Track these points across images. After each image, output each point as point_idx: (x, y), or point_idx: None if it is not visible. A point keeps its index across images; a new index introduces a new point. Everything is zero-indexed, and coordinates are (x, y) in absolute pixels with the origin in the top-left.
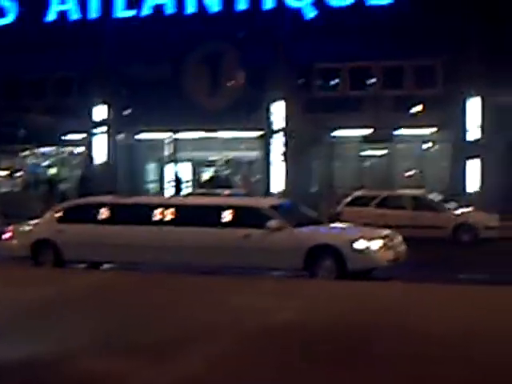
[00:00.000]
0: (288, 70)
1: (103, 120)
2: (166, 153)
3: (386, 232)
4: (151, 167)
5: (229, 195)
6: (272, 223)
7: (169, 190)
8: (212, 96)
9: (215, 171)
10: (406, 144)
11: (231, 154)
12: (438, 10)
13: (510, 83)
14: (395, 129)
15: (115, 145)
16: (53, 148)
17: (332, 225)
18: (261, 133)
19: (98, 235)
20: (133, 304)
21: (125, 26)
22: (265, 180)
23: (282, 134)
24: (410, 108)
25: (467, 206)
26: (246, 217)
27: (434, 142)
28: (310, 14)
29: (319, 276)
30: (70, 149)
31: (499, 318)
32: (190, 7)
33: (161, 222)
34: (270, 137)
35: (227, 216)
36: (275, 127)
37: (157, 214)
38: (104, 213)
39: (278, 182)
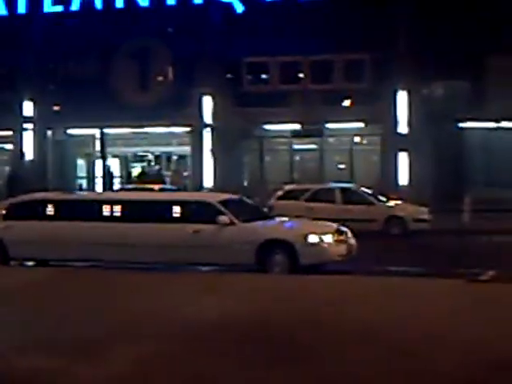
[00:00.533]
0: (217, 64)
1: (32, 116)
2: (96, 149)
3: (337, 226)
4: (81, 163)
5: (160, 190)
6: (222, 218)
7: (99, 186)
8: (141, 91)
9: (144, 166)
10: (337, 138)
11: (161, 150)
12: (367, 5)
13: (437, 77)
14: (325, 123)
15: (45, 141)
16: None
17: (281, 219)
18: (189, 128)
19: (44, 232)
20: (60, 301)
21: (53, 21)
22: (196, 175)
23: (211, 128)
24: (340, 102)
25: (398, 199)
26: (196, 212)
27: (363, 136)
28: (239, 8)
29: (271, 271)
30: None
31: (415, 306)
32: (119, 2)
33: (108, 218)
34: (200, 132)
35: (176, 211)
36: (204, 122)
37: (104, 210)
38: (50, 209)
39: (209, 176)
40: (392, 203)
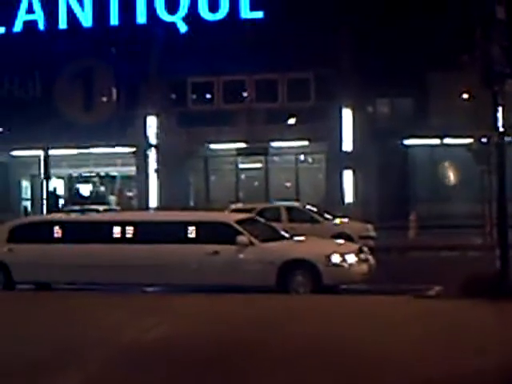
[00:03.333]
0: (161, 84)
1: None
2: (41, 170)
3: (358, 246)
4: (26, 184)
5: (105, 211)
6: (242, 239)
7: (44, 207)
8: (85, 112)
9: (92, 187)
10: (282, 156)
11: (106, 170)
12: (310, 25)
13: (381, 94)
14: (270, 141)
15: None
16: None
17: (301, 239)
18: (134, 149)
19: (50, 255)
20: (6, 324)
21: None
22: (142, 195)
23: (154, 149)
24: (285, 120)
25: (343, 217)
26: (212, 233)
27: (308, 154)
28: (183, 28)
29: (293, 292)
30: None
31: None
32: (62, 23)
33: (120, 240)
34: (145, 152)
35: (192, 232)
36: (149, 142)
37: (115, 231)
38: (57, 231)
39: (154, 196)
40: (338, 221)
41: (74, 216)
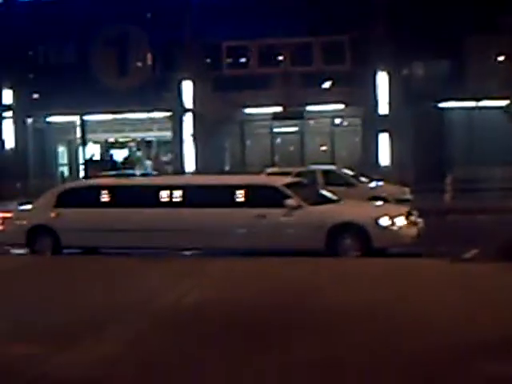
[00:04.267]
0: (196, 49)
1: (11, 105)
2: (77, 135)
3: (407, 208)
4: (62, 150)
5: (142, 175)
6: (290, 202)
7: (81, 172)
8: (120, 78)
9: (128, 152)
10: (317, 120)
11: (142, 135)
12: None
13: (417, 57)
14: (305, 105)
15: (25, 129)
16: None
17: (350, 202)
18: (170, 113)
19: (97, 219)
20: (48, 287)
21: (32, 8)
22: (177, 160)
23: (191, 113)
24: (320, 84)
25: (379, 180)
26: (260, 196)
27: (344, 118)
28: None
29: (342, 255)
30: None
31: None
32: None
33: (167, 204)
34: (180, 117)
35: (239, 195)
36: (184, 107)
37: (162, 196)
38: (104, 195)
39: (190, 161)
40: (374, 184)
41: (121, 180)
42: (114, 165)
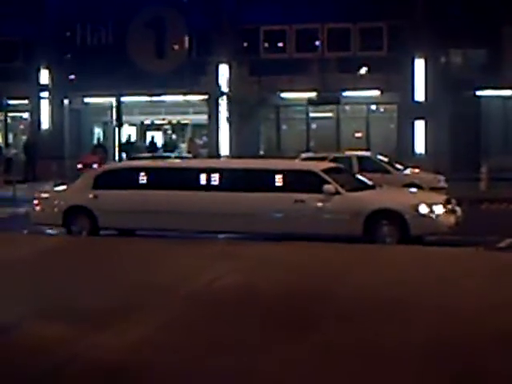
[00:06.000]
0: (233, 32)
1: (48, 85)
2: (113, 117)
3: (446, 197)
4: (98, 131)
5: (176, 158)
6: (328, 187)
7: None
8: (157, 60)
9: (163, 134)
10: (353, 106)
11: (177, 118)
12: None
13: (455, 45)
14: (341, 91)
15: (61, 110)
16: None
17: (388, 189)
18: (206, 97)
19: (134, 201)
20: (83, 268)
21: None
22: (212, 143)
23: (227, 97)
24: (357, 70)
25: (414, 167)
26: (298, 181)
27: (380, 104)
28: None
29: (380, 242)
30: (15, 114)
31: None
32: None
33: (205, 187)
34: (216, 100)
35: (277, 180)
36: (221, 90)
37: (200, 179)
38: (142, 177)
39: (225, 145)
40: (409, 171)
41: (159, 162)
42: (154, 147)
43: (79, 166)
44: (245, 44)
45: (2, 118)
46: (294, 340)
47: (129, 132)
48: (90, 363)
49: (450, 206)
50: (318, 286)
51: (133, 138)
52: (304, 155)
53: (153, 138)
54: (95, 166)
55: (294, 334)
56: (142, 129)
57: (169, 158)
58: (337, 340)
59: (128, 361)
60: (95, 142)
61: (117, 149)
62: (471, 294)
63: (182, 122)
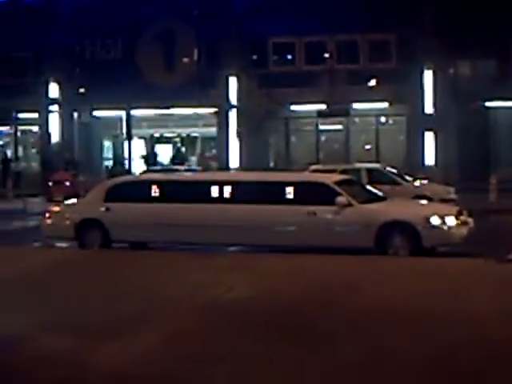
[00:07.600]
0: (242, 45)
1: (58, 98)
2: (123, 130)
3: (458, 208)
4: (107, 144)
5: (186, 171)
6: (341, 199)
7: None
8: (167, 73)
9: (173, 147)
10: (362, 118)
11: (187, 131)
12: None
13: (463, 56)
14: (351, 103)
15: (71, 123)
16: (7, 127)
17: (400, 200)
18: (215, 109)
19: (146, 214)
20: (95, 281)
21: (79, 2)
22: (222, 156)
23: (236, 109)
24: (366, 82)
25: (424, 179)
26: (310, 193)
27: (389, 116)
28: None
29: (392, 254)
30: (25, 128)
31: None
32: None
33: (216, 200)
34: (226, 113)
35: (289, 192)
36: (230, 103)
37: (212, 191)
38: (154, 190)
39: (235, 157)
40: (418, 183)
41: (170, 176)
42: (154, 159)
43: (50, 183)
44: (254, 56)
45: (12, 131)
46: (303, 351)
47: (139, 145)
48: (101, 375)
49: (462, 218)
50: (330, 297)
51: (141, 151)
52: (313, 167)
53: (154, 150)
54: (67, 183)
55: (304, 345)
56: (152, 142)
57: (178, 171)
58: (347, 351)
59: (137, 372)
60: (68, 157)
61: (132, 162)
62: (482, 305)
63: (192, 134)
